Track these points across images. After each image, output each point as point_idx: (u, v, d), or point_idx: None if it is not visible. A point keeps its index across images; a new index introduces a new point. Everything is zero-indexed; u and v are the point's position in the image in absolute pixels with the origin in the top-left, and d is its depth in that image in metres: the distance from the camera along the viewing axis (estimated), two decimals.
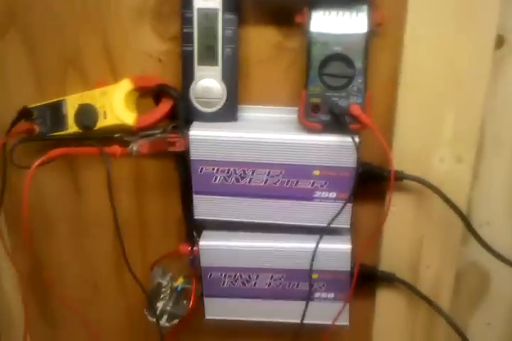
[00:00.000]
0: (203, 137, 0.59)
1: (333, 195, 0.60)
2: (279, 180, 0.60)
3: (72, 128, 0.63)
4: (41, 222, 0.72)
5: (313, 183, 0.60)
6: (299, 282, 0.65)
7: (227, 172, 0.60)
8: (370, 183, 0.62)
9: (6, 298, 0.77)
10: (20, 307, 0.75)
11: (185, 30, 0.58)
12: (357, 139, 0.57)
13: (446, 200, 0.61)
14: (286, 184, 0.60)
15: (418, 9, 0.56)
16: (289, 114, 0.61)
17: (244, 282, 0.66)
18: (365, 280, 0.66)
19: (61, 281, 0.74)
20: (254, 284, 0.66)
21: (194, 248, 0.65)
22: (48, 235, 0.73)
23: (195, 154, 0.60)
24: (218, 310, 0.68)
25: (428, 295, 0.67)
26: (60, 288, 0.74)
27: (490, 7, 0.56)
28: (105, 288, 0.75)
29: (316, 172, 0.59)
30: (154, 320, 0.67)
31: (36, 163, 0.52)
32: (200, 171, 0.61)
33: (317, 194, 0.61)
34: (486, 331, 0.72)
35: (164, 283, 0.70)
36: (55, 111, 0.63)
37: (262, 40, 0.60)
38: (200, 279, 0.66)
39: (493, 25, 0.56)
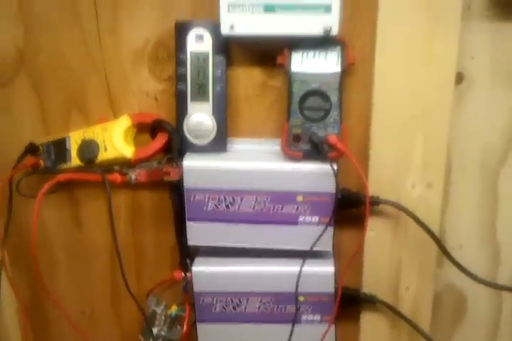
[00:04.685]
0: (196, 167, 0.65)
1: (315, 219, 0.65)
2: (265, 205, 0.65)
3: (75, 161, 0.68)
4: (42, 253, 0.75)
5: (297, 208, 0.65)
6: (287, 305, 0.68)
7: (218, 200, 0.65)
8: (350, 208, 0.67)
9: (5, 327, 0.78)
10: (19, 336, 0.77)
11: (179, 71, 0.65)
12: (335, 166, 0.62)
13: (420, 223, 0.66)
14: (273, 209, 0.65)
15: (385, 50, 0.64)
16: (273, 145, 0.67)
17: (235, 306, 0.69)
18: (349, 302, 0.69)
19: (61, 311, 0.76)
20: (245, 308, 0.69)
21: (187, 274, 0.69)
22: (47, 265, 0.76)
23: (188, 183, 0.65)
24: (211, 336, 0.70)
25: (409, 316, 0.70)
26: (58, 318, 0.77)
27: (450, 48, 0.63)
28: (101, 317, 0.78)
29: (300, 198, 0.65)
30: None
31: (46, 186, 0.57)
32: (193, 199, 0.65)
33: (301, 218, 0.65)
34: None
35: (159, 311, 0.73)
36: (60, 147, 0.69)
37: (248, 79, 0.67)
38: (193, 305, 0.70)
39: (452, 64, 0.64)
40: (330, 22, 0.59)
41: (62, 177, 0.59)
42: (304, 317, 0.68)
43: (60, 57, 0.68)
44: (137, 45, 0.67)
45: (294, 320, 0.68)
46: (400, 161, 0.67)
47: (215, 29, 0.62)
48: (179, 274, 0.69)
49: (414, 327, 0.70)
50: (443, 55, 0.63)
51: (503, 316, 0.75)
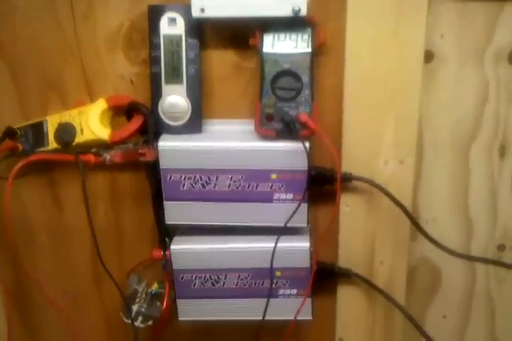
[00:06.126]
0: (171, 147, 0.66)
1: (290, 196, 0.67)
2: (241, 184, 0.67)
3: (52, 145, 0.70)
4: (23, 235, 0.76)
5: (272, 186, 0.66)
6: (264, 280, 0.70)
7: (194, 179, 0.67)
8: (324, 185, 0.68)
9: None
10: (3, 318, 0.79)
11: (153, 54, 0.66)
12: (307, 144, 0.64)
13: (392, 199, 0.68)
14: (248, 188, 0.67)
15: (355, 30, 0.65)
16: (248, 126, 0.68)
17: (213, 282, 0.71)
18: (325, 276, 0.72)
19: (42, 291, 0.78)
20: (223, 284, 0.71)
21: (166, 252, 0.70)
22: (29, 247, 0.77)
23: (163, 163, 0.66)
24: (191, 311, 0.72)
25: (384, 289, 0.72)
26: (42, 298, 0.78)
27: (417, 28, 0.65)
28: (84, 296, 0.80)
29: (274, 176, 0.66)
30: (129, 321, 0.71)
31: (19, 165, 0.58)
32: (169, 179, 0.67)
33: (276, 196, 0.67)
34: (442, 324, 0.78)
35: (140, 289, 0.75)
36: (37, 130, 0.70)
37: (221, 60, 0.68)
38: (173, 282, 0.71)
39: (421, 43, 0.65)
40: (298, 3, 0.60)
41: (34, 157, 0.61)
42: (281, 292, 0.70)
43: (36, 43, 0.69)
44: (111, 29, 0.68)
45: (269, 294, 0.70)
46: (372, 138, 0.68)
47: (187, 12, 0.62)
48: (158, 253, 0.71)
49: (390, 299, 0.72)
50: (411, 35, 0.65)
51: (477, 288, 0.77)
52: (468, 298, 0.77)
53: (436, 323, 0.78)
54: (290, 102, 0.64)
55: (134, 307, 0.72)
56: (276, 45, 0.64)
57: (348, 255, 0.73)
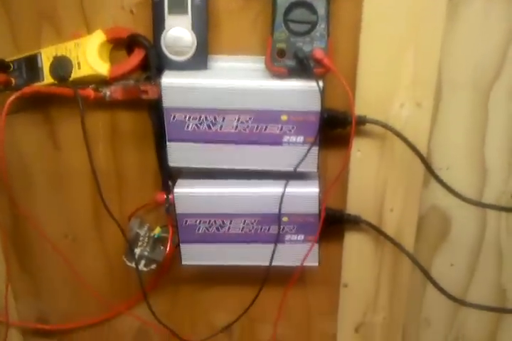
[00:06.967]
0: (175, 84, 0.62)
1: (300, 139, 0.63)
2: (248, 125, 0.63)
3: (47, 79, 0.65)
4: (19, 176, 0.73)
5: (282, 128, 0.63)
6: (271, 226, 0.68)
7: (199, 119, 0.63)
8: (336, 128, 0.65)
9: None
10: (2, 259, 0.77)
11: None
12: (321, 83, 0.60)
13: (407, 143, 0.65)
14: (256, 129, 0.63)
15: None
16: (258, 63, 0.63)
17: (218, 227, 0.68)
18: (333, 222, 0.69)
19: (41, 234, 0.76)
20: (228, 229, 0.68)
21: (169, 196, 0.68)
22: (26, 189, 0.74)
23: (167, 101, 0.62)
24: (194, 255, 0.70)
25: (393, 237, 0.70)
26: (41, 241, 0.76)
27: None
28: (85, 239, 0.78)
29: (284, 117, 0.62)
30: (132, 264, 0.70)
31: (10, 99, 0.54)
32: (173, 118, 0.63)
33: (285, 138, 0.63)
34: (449, 272, 0.76)
35: (142, 233, 0.73)
36: (31, 64, 0.65)
37: None
38: (176, 227, 0.69)
39: None
40: None
41: (29, 89, 0.56)
42: (287, 237, 0.68)
43: None
44: None
45: (277, 240, 0.68)
46: (389, 79, 0.64)
47: None
48: (161, 196, 0.68)
49: (398, 246, 0.71)
50: None
51: (486, 237, 0.75)
52: (477, 248, 0.75)
53: (443, 272, 0.76)
54: (304, 37, 0.59)
55: (137, 251, 0.70)
56: None
57: (358, 201, 0.70)
